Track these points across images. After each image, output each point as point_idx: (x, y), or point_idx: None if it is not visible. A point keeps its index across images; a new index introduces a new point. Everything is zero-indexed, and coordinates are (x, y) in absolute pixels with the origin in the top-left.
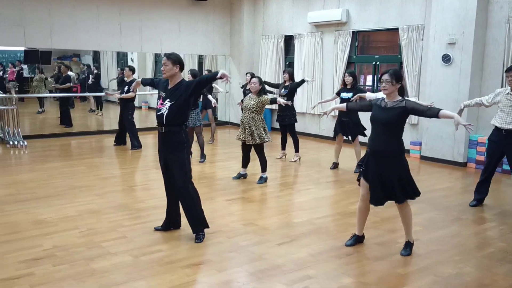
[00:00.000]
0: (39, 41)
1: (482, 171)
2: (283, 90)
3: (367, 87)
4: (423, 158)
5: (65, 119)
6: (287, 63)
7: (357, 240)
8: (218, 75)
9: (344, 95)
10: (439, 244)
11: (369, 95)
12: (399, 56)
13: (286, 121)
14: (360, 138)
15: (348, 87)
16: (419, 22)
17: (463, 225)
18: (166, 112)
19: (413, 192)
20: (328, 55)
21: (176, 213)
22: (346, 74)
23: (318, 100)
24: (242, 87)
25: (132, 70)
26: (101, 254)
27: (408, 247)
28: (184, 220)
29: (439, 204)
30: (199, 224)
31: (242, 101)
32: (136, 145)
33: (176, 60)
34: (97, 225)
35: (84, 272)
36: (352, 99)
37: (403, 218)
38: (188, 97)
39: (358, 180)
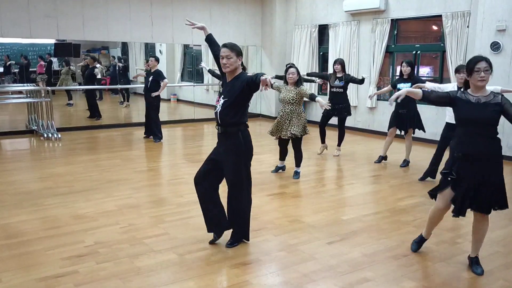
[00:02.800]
0: (71, 33)
1: None
2: (336, 81)
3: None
4: None
5: (94, 112)
6: (321, 53)
7: (422, 241)
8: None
9: (402, 86)
10: (502, 245)
11: (429, 85)
12: (442, 44)
13: (341, 114)
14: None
15: (405, 77)
16: (465, 8)
17: None
18: (219, 110)
19: (503, 203)
20: (364, 45)
21: (219, 215)
22: (404, 64)
23: (357, 91)
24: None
25: (157, 60)
26: (145, 251)
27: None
28: None
29: None
30: (238, 235)
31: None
32: (160, 137)
33: (240, 52)
34: (138, 220)
35: (129, 270)
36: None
37: (480, 231)
38: (238, 95)
39: (433, 193)
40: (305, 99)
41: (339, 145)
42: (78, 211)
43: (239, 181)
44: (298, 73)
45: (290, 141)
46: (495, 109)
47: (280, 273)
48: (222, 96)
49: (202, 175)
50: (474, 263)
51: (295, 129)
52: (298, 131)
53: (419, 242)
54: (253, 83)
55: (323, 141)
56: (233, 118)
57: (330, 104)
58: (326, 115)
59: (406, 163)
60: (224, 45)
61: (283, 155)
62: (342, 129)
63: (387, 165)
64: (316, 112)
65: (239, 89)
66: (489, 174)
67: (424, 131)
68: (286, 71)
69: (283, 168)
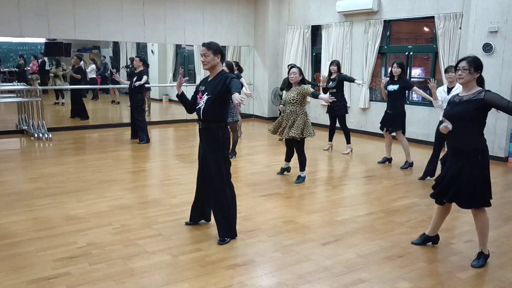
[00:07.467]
0: (63, 32)
1: None
2: (330, 83)
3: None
4: None
5: (81, 112)
6: (314, 54)
7: (426, 240)
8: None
9: (390, 87)
10: (496, 246)
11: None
12: (435, 46)
13: (337, 112)
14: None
15: (395, 78)
16: (457, 10)
17: None
18: (203, 107)
19: (482, 201)
20: (357, 46)
21: (206, 206)
22: (395, 64)
23: (350, 92)
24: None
25: (142, 60)
26: (138, 252)
27: (482, 257)
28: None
29: None
30: (226, 231)
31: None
32: (146, 139)
33: (217, 50)
34: (131, 221)
35: (123, 272)
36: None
37: (476, 226)
38: (222, 93)
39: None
40: (308, 99)
41: (348, 142)
42: (70, 212)
43: (220, 173)
44: (301, 73)
45: (293, 145)
46: (475, 104)
47: (275, 274)
48: (206, 93)
49: (202, 180)
50: (476, 256)
51: (294, 131)
52: (296, 133)
53: (421, 239)
54: (229, 91)
55: (330, 139)
56: (215, 115)
57: (333, 98)
58: (330, 115)
59: (408, 165)
60: (202, 44)
61: (288, 156)
62: (344, 127)
63: (380, 166)
64: (319, 114)
65: (222, 87)
66: (465, 170)
67: (404, 132)
68: (288, 72)
69: (288, 169)
